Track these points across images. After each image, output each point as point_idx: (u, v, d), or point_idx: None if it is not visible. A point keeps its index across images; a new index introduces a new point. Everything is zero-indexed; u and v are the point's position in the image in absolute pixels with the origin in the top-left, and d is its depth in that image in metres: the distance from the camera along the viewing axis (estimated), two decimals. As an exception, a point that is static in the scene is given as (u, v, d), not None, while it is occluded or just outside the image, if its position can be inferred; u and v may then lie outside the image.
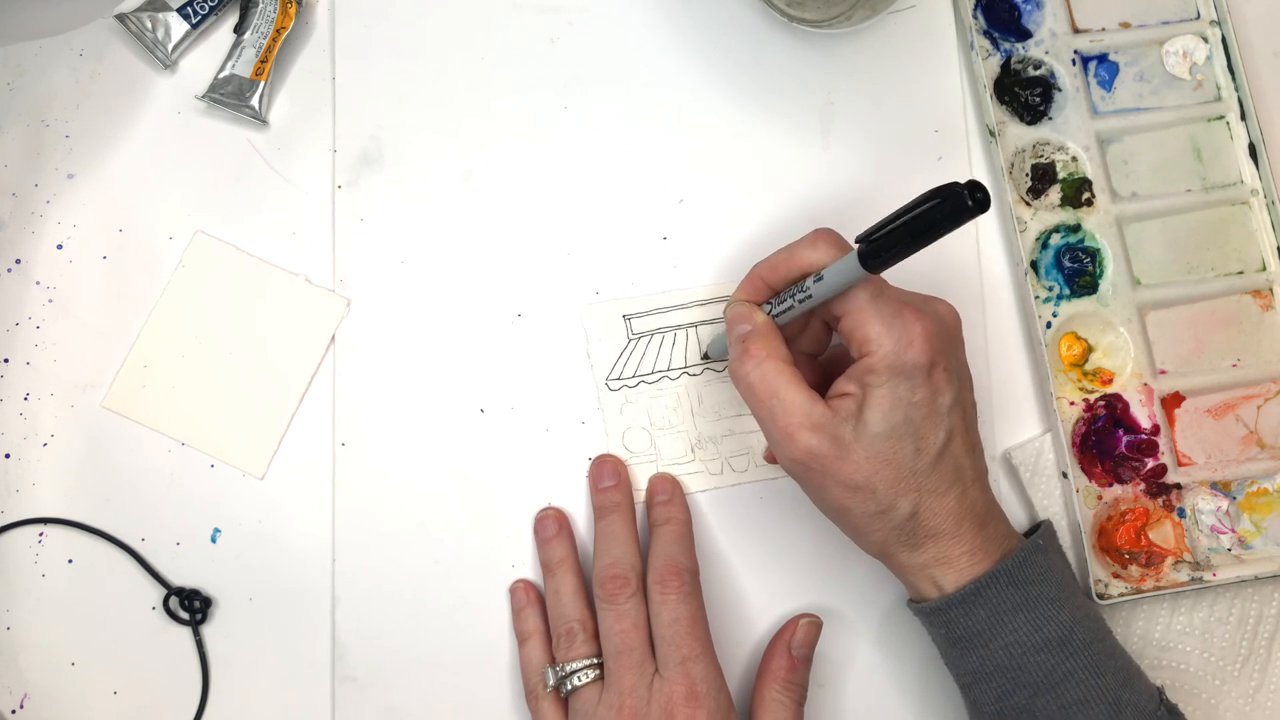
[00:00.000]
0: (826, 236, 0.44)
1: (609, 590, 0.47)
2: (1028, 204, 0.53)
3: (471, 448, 0.52)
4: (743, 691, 0.50)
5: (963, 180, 0.37)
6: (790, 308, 0.44)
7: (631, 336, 0.52)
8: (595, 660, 0.47)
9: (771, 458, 0.50)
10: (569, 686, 0.47)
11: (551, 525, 0.50)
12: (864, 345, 0.42)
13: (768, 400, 0.43)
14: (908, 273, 0.50)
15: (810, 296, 0.43)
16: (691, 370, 0.52)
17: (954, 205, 0.36)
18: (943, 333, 0.43)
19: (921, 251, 0.49)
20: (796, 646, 0.48)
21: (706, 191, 0.53)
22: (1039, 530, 0.46)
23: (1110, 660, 0.44)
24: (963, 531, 0.43)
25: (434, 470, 0.52)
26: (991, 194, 0.51)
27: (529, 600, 0.50)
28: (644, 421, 0.52)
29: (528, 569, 0.51)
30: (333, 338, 0.52)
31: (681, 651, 0.45)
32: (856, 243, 0.41)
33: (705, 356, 0.51)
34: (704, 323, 0.52)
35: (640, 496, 0.51)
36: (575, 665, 0.47)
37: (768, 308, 0.45)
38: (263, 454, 0.52)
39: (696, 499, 0.52)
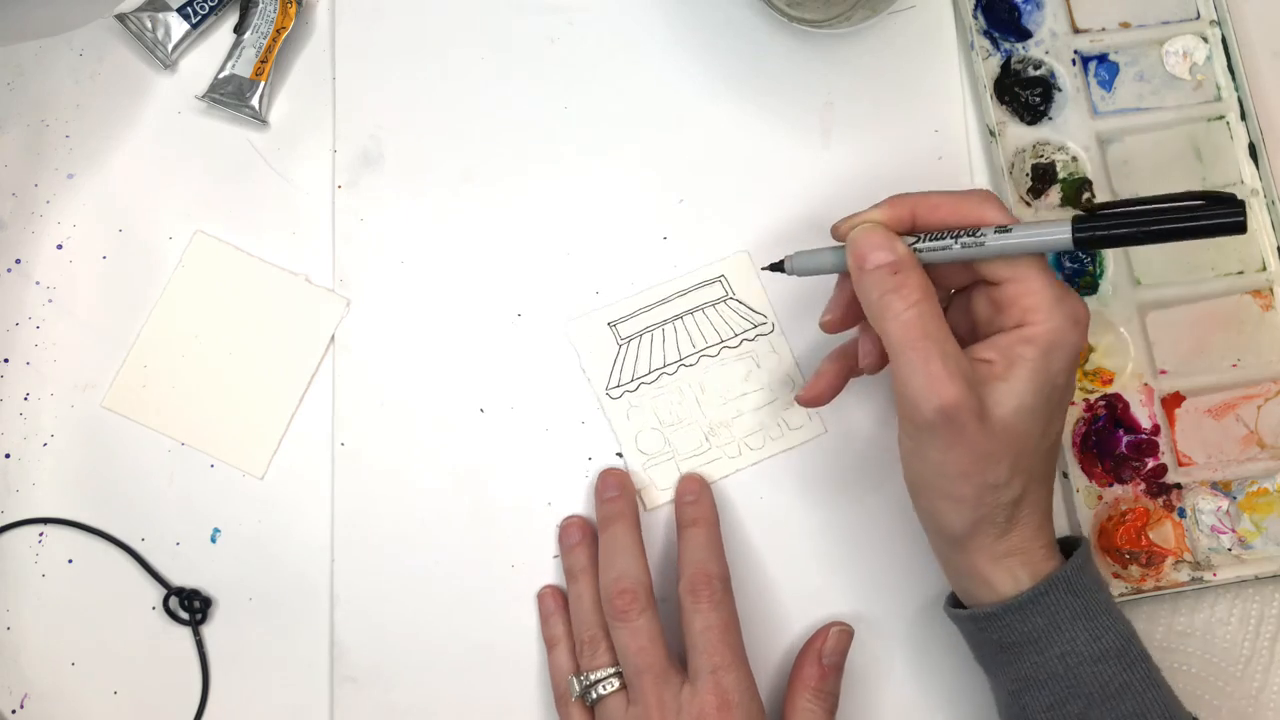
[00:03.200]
0: (995, 200, 0.42)
1: (618, 607, 0.46)
2: (1028, 204, 0.53)
3: (471, 447, 0.52)
4: (773, 696, 0.50)
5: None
6: (947, 248, 0.41)
7: (620, 342, 0.52)
8: (618, 669, 0.47)
9: (814, 398, 0.47)
10: (594, 696, 0.47)
11: (575, 533, 0.50)
12: (1028, 314, 0.40)
13: (920, 342, 0.39)
14: None
15: (983, 246, 0.40)
16: (687, 362, 0.52)
17: (1223, 214, 0.34)
18: (1089, 320, 0.42)
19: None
20: (828, 655, 0.48)
21: (706, 191, 0.53)
22: (1083, 543, 0.46)
23: (1161, 675, 0.44)
24: (1046, 526, 0.43)
25: (434, 470, 0.52)
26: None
27: (555, 607, 0.50)
28: (653, 422, 0.52)
29: (527, 569, 0.51)
30: (332, 337, 0.52)
31: (713, 660, 0.45)
32: (1078, 214, 0.39)
33: (776, 268, 0.47)
34: (688, 312, 0.52)
35: (662, 497, 0.51)
36: (598, 675, 0.46)
37: (909, 241, 0.42)
38: (263, 454, 0.52)
39: (721, 486, 0.51)
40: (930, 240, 0.42)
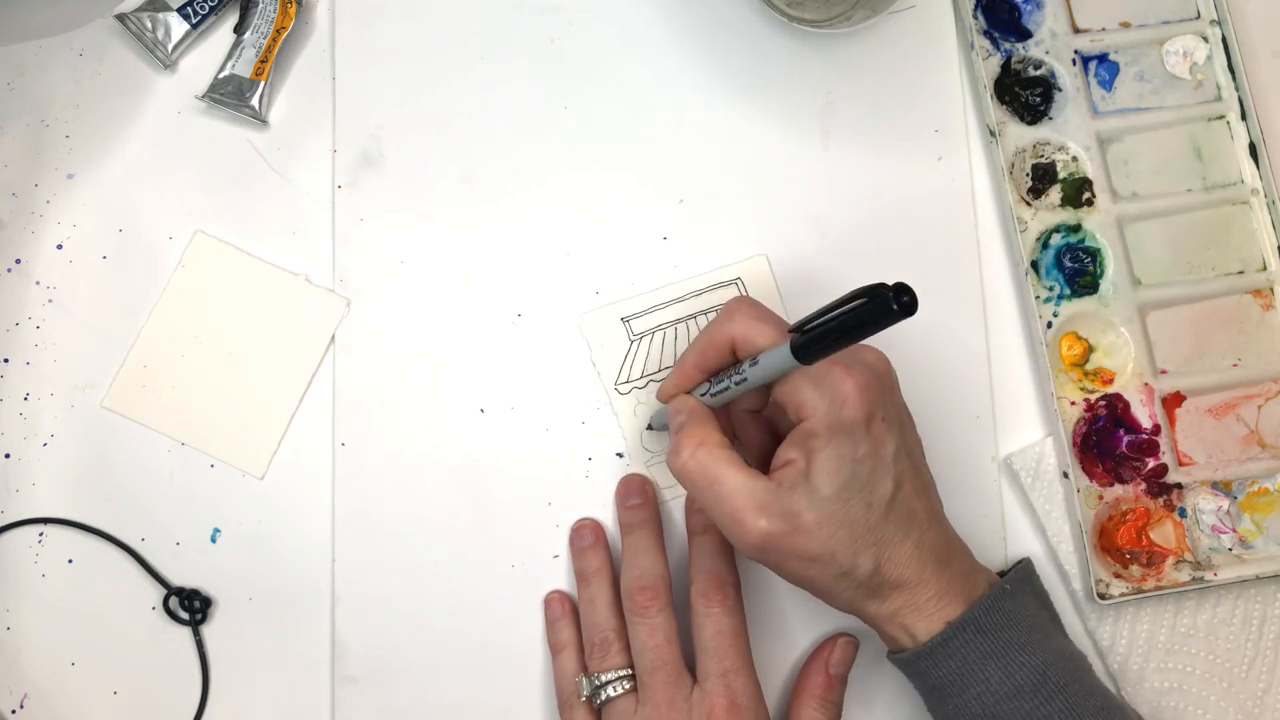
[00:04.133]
0: (741, 307, 0.45)
1: (639, 603, 0.47)
2: (1028, 204, 0.53)
3: (471, 448, 0.52)
4: (773, 705, 0.50)
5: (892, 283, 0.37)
6: (727, 388, 0.45)
7: (633, 338, 0.52)
8: (629, 671, 0.47)
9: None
10: (603, 697, 0.47)
11: (588, 535, 0.50)
12: (800, 410, 0.42)
13: (710, 488, 0.42)
14: (912, 273, 0.50)
15: (746, 380, 0.44)
16: None
17: (879, 307, 0.37)
18: (875, 382, 0.43)
19: (922, 254, 0.50)
20: (834, 665, 0.48)
21: (706, 192, 0.53)
22: (1014, 569, 0.46)
23: (1090, 700, 0.43)
24: (926, 576, 0.43)
25: (434, 470, 0.52)
26: (992, 194, 0.53)
27: (564, 611, 0.50)
28: (658, 420, 0.52)
29: (528, 570, 0.51)
30: (332, 337, 0.52)
31: (724, 664, 0.45)
32: (790, 333, 0.41)
33: (650, 428, 0.51)
34: (703, 313, 0.52)
35: (664, 496, 0.51)
36: (609, 676, 0.47)
37: (705, 389, 0.46)
38: (263, 454, 0.52)
39: None
40: (716, 385, 0.45)
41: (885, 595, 0.43)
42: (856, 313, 0.38)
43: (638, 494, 0.50)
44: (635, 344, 0.52)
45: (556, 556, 0.51)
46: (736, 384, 0.44)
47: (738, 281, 0.52)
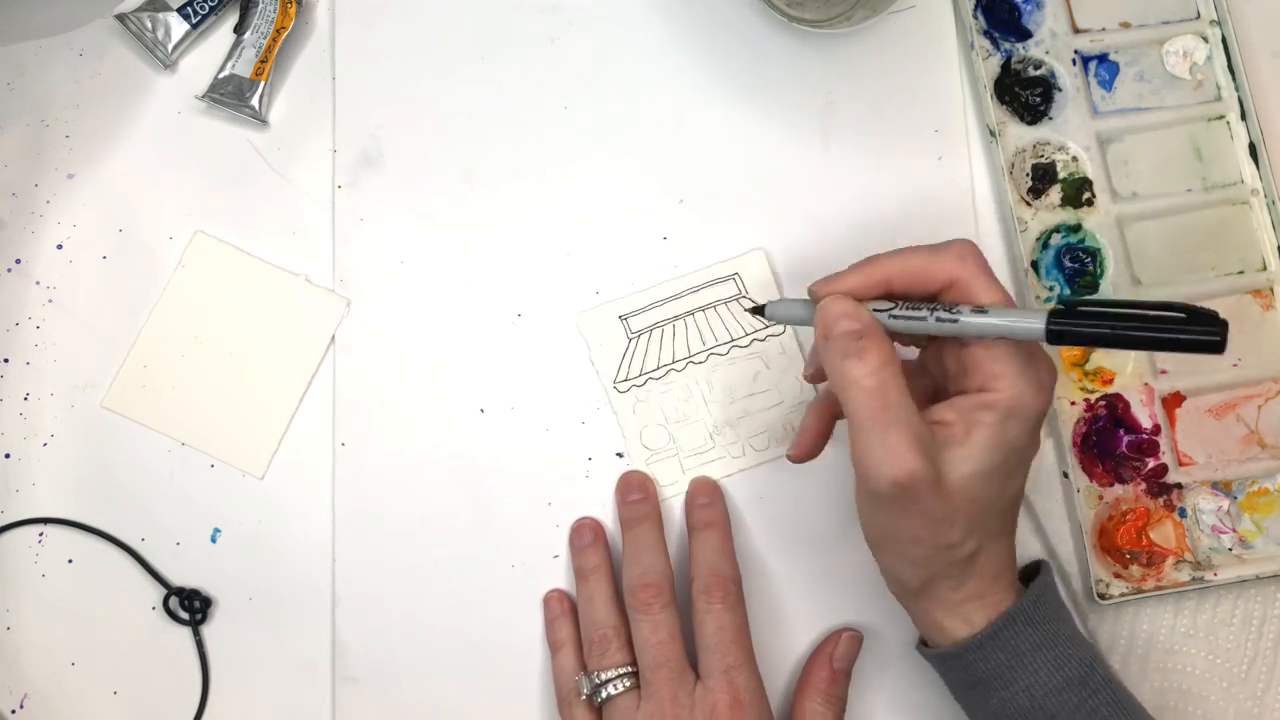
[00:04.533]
0: (973, 252, 0.42)
1: (642, 599, 0.47)
2: (1028, 204, 0.53)
3: (471, 448, 0.52)
4: (784, 705, 0.50)
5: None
6: (921, 320, 0.41)
7: (631, 336, 0.52)
8: (629, 669, 0.47)
9: (804, 454, 0.47)
10: (604, 695, 0.46)
11: (588, 533, 0.50)
12: (991, 380, 0.40)
13: (881, 412, 0.39)
14: None
15: (956, 324, 0.40)
16: (696, 359, 0.52)
17: (1200, 332, 0.34)
18: (1056, 383, 0.42)
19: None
20: (838, 659, 0.48)
21: (706, 192, 0.53)
22: (1042, 570, 0.46)
23: (1130, 697, 0.44)
24: (1004, 570, 0.43)
25: (434, 470, 0.52)
26: (992, 194, 0.53)
27: (563, 610, 0.50)
28: (658, 418, 0.51)
29: (528, 570, 0.51)
30: (333, 338, 0.52)
31: (726, 660, 0.45)
32: (1056, 307, 0.39)
33: (757, 311, 0.47)
34: (700, 309, 0.52)
35: (664, 493, 0.51)
36: (609, 674, 0.46)
37: (886, 308, 0.42)
38: (263, 454, 0.52)
39: (722, 486, 0.51)
40: (905, 309, 0.42)
41: (965, 581, 0.42)
42: (1163, 324, 0.35)
43: (638, 490, 0.50)
44: (634, 341, 0.52)
45: (556, 556, 0.51)
46: (939, 321, 0.40)
47: (735, 277, 0.52)
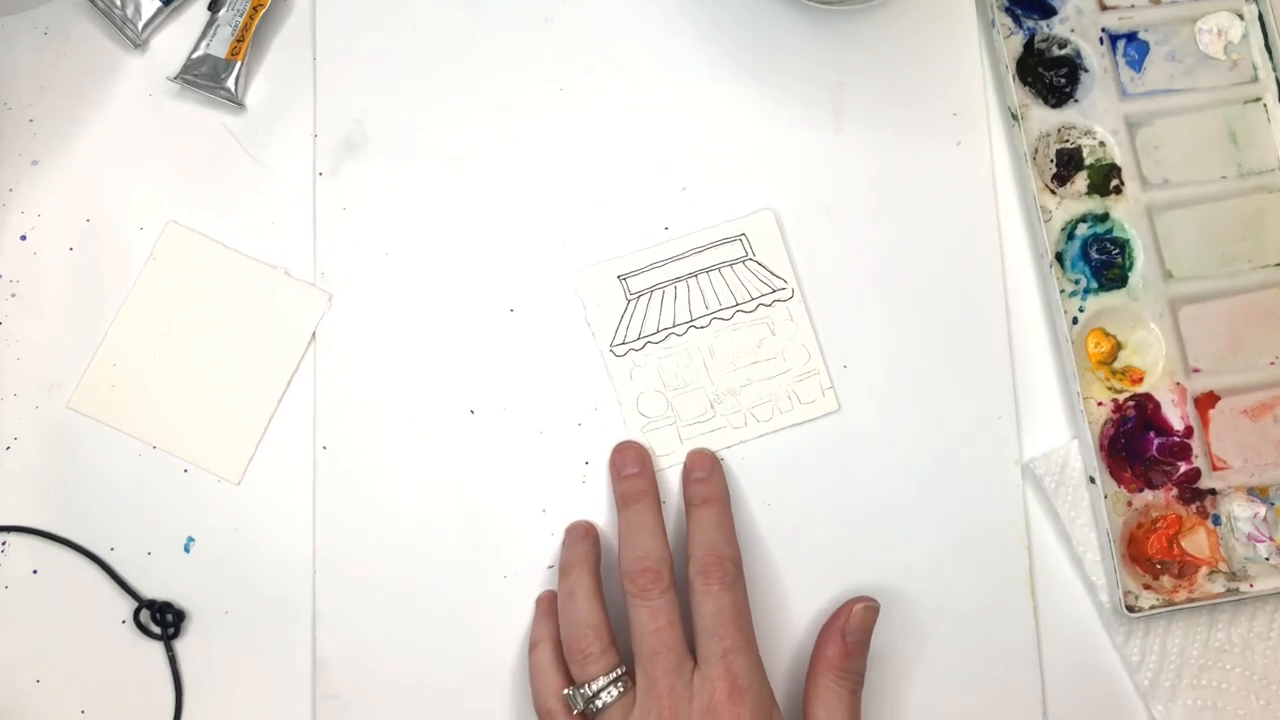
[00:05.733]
0: None
1: (640, 585, 0.45)
2: (1052, 192, 0.51)
3: (461, 452, 0.50)
4: (786, 685, 0.49)
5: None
6: None
7: (630, 297, 0.50)
8: (618, 673, 0.45)
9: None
10: (597, 707, 0.44)
11: (579, 530, 0.49)
12: None
13: None
14: (929, 264, 0.50)
15: None
16: (698, 323, 0.50)
17: None
18: None
19: (939, 245, 0.49)
20: (851, 632, 0.46)
21: (711, 178, 0.51)
22: None
23: None
24: None
25: (421, 476, 0.50)
26: (1014, 181, 0.51)
27: (547, 610, 0.48)
28: (656, 384, 0.50)
29: (522, 581, 0.49)
30: (313, 334, 0.50)
31: (724, 644, 0.44)
32: None
33: None
34: (704, 271, 0.50)
35: (660, 464, 0.49)
36: (599, 683, 0.44)
37: None
38: (239, 458, 0.50)
39: (723, 457, 0.50)
40: None
41: None
42: None
43: (634, 463, 0.48)
44: (633, 303, 0.50)
45: (551, 566, 0.49)
46: None
47: (742, 238, 0.50)
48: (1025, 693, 0.48)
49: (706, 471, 0.48)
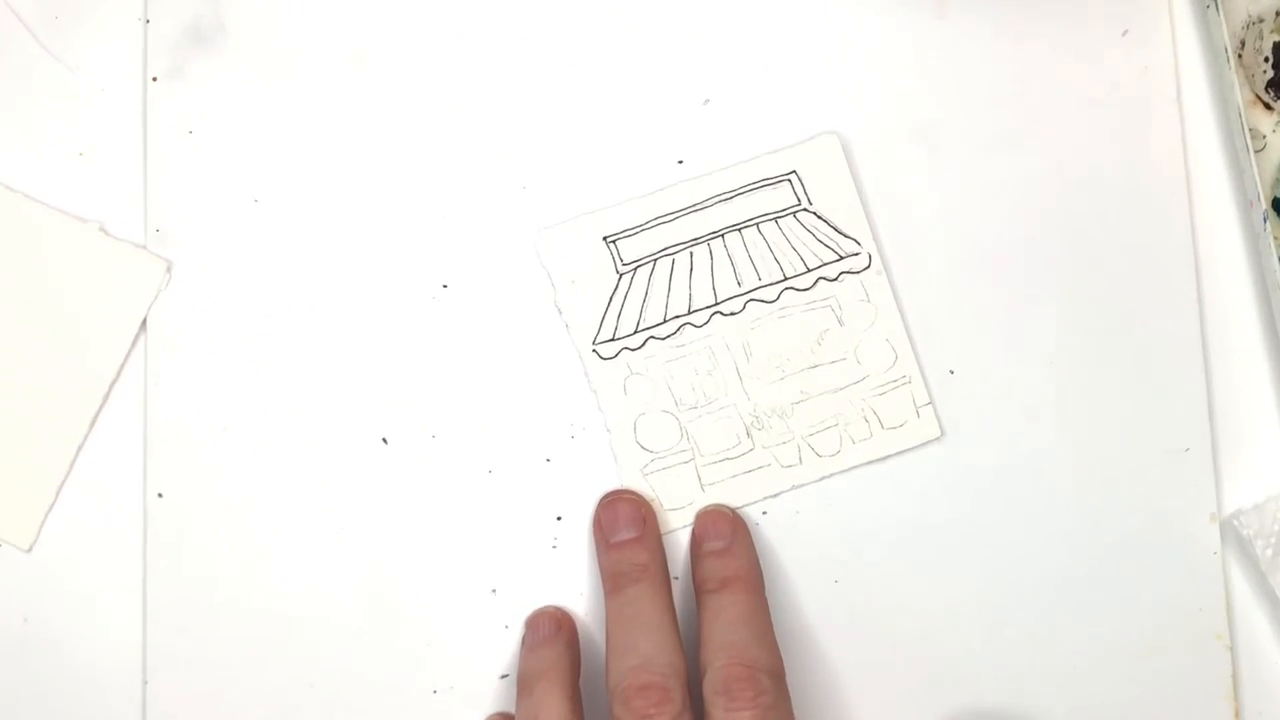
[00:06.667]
0: None
1: (639, 709, 0.37)
2: (1267, 106, 0.40)
3: (368, 500, 0.40)
4: None
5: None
6: None
7: (622, 269, 0.42)
8: None
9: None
10: None
11: (545, 625, 0.41)
12: None
13: None
14: (1077, 218, 0.40)
15: None
16: (727, 308, 0.41)
17: None
18: None
19: (1093, 190, 0.41)
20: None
21: (746, 86, 0.41)
22: None
23: None
24: None
25: (307, 540, 0.40)
26: (1209, 90, 0.40)
27: None
28: (663, 400, 0.41)
29: (461, 699, 0.39)
30: (143, 323, 0.41)
31: None
32: None
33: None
34: (735, 228, 0.42)
35: (670, 523, 0.41)
36: None
37: None
38: (29, 514, 0.41)
39: (764, 513, 0.41)
40: None
41: None
42: None
43: (631, 523, 0.40)
44: (626, 278, 0.42)
45: (505, 677, 0.39)
46: None
47: (793, 177, 0.41)
48: None
49: (726, 540, 0.40)
